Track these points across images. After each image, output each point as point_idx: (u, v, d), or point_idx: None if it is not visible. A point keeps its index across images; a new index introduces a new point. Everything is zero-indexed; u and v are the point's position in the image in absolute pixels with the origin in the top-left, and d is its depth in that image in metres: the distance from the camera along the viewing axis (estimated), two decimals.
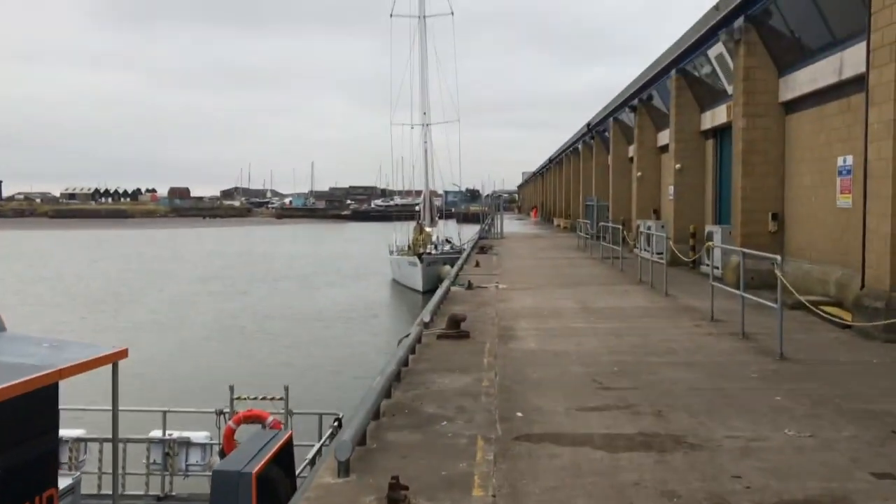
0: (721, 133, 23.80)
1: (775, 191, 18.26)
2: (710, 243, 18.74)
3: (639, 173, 31.54)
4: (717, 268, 19.99)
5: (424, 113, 50.05)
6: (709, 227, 21.62)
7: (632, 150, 35.28)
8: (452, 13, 51.76)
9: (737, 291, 12.09)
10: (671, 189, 25.42)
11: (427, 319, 12.23)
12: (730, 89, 21.47)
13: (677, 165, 24.83)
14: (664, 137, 29.56)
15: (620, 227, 26.63)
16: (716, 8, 19.16)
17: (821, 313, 12.38)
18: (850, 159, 14.54)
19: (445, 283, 17.53)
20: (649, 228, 26.91)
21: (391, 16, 51.04)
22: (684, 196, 24.89)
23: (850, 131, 14.47)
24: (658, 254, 25.35)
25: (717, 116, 23.05)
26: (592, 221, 36.33)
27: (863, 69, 12.44)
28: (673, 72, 24.96)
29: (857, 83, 13.56)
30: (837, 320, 12.51)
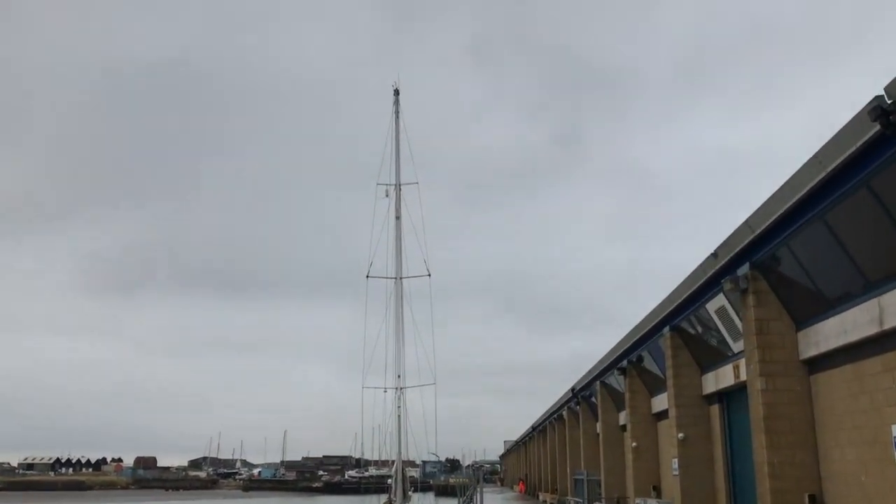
0: (728, 397, 21.01)
1: (810, 467, 15.05)
2: None
3: (634, 443, 28.18)
4: None
5: (399, 375, 47.27)
6: None
7: (623, 417, 32.16)
8: (429, 274, 50.94)
9: None
10: (675, 463, 22.04)
11: None
12: (735, 347, 19.02)
13: (680, 435, 21.70)
14: (660, 403, 26.66)
15: None
16: (713, 256, 17.23)
17: None
18: None
19: None
20: None
21: (367, 277, 50.07)
22: (690, 471, 21.49)
23: None
24: None
25: (721, 378, 20.39)
26: (584, 499, 32.24)
27: None
28: (666, 329, 22.70)
29: None
30: None
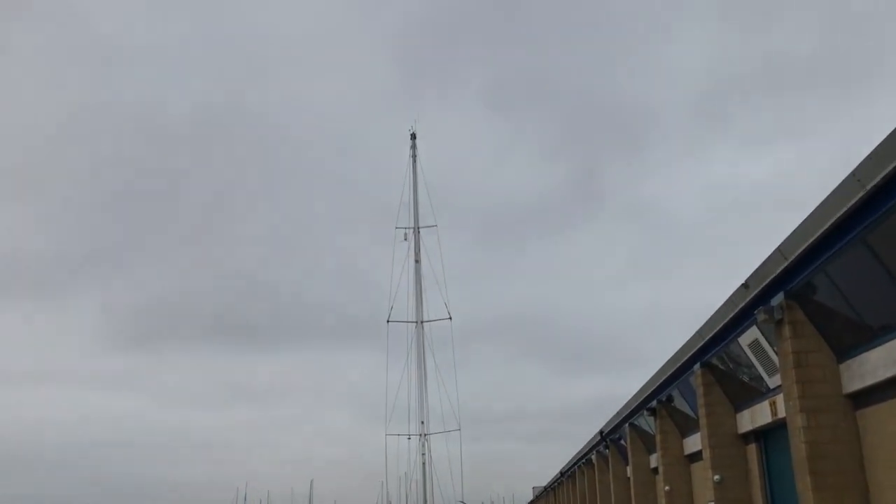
0: (765, 435, 19.91)
1: None
2: None
3: (666, 487, 26.93)
4: None
5: (422, 422, 46.30)
6: None
7: (654, 460, 30.90)
8: (451, 318, 50.18)
9: None
10: None
11: None
12: (771, 382, 18.04)
13: (716, 477, 20.57)
14: (693, 443, 25.49)
15: None
16: (744, 286, 16.37)
17: None
18: None
19: None
20: None
21: (388, 321, 49.50)
22: None
23: None
24: None
25: (758, 416, 19.33)
26: None
27: None
28: (697, 366, 21.71)
29: None
30: None
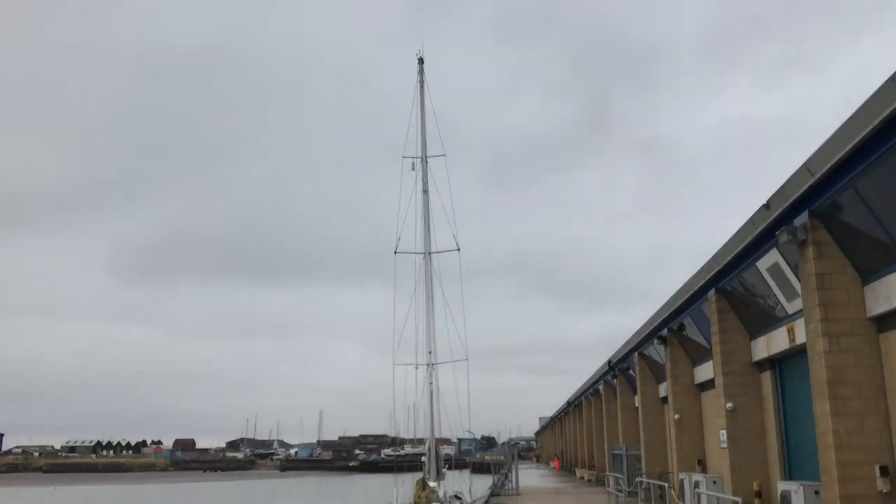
0: (780, 363, 19.45)
1: (880, 435, 13.54)
2: None
3: (676, 416, 26.69)
4: None
5: (430, 352, 46.09)
6: (783, 485, 16.49)
7: (664, 389, 30.67)
8: (459, 249, 49.47)
9: None
10: (722, 434, 20.56)
11: None
12: (789, 308, 17.45)
13: (728, 405, 20.19)
14: (704, 372, 25.13)
15: (667, 484, 21.36)
16: (766, 207, 15.63)
17: None
18: None
19: None
20: (697, 485, 21.71)
21: (395, 252, 48.89)
22: (741, 443, 19.99)
23: None
24: None
25: (774, 342, 18.82)
26: (623, 474, 30.89)
27: None
28: (711, 292, 21.13)
29: None
30: None
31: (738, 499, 13.94)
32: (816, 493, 15.04)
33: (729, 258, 18.58)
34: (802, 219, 14.48)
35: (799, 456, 18.51)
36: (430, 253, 50.13)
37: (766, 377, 19.87)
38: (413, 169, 52.95)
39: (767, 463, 19.65)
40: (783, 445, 19.17)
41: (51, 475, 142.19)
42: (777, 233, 14.83)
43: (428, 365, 46.70)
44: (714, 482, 21.25)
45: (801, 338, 16.67)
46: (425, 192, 52.94)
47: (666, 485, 20.66)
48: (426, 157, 52.54)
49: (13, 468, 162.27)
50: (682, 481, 24.08)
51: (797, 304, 16.67)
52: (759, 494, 18.35)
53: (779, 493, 16.41)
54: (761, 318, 19.40)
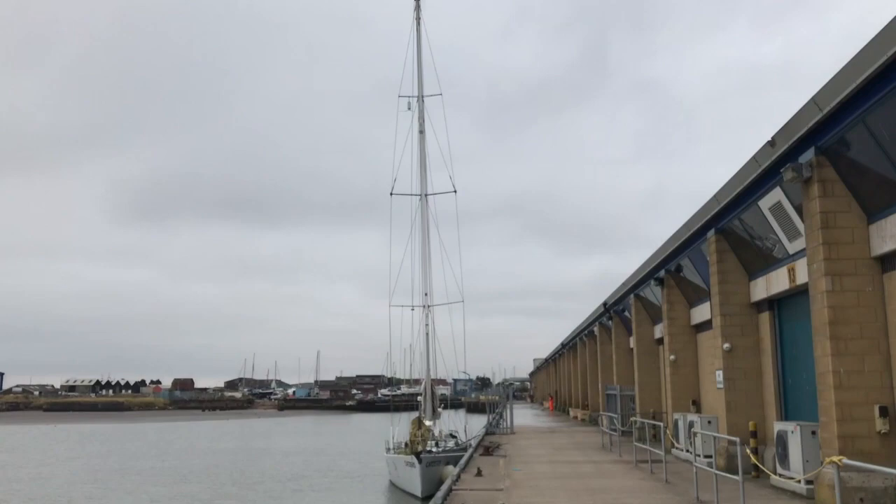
0: (780, 304, 19.24)
1: (880, 375, 13.37)
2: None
3: (671, 356, 26.67)
4: (801, 480, 14.78)
5: (426, 294, 45.94)
6: (779, 425, 16.42)
7: (659, 331, 30.63)
8: (455, 191, 48.91)
9: None
10: (719, 375, 20.48)
11: None
12: (791, 248, 17.15)
13: (725, 345, 20.05)
14: (701, 313, 25.00)
15: (662, 424, 21.36)
16: (770, 144, 15.18)
17: None
18: None
19: None
20: (692, 425, 21.75)
21: (391, 194, 48.30)
22: (737, 384, 19.92)
23: None
24: (706, 457, 20.06)
25: (773, 283, 18.58)
26: (617, 413, 31.02)
27: None
28: (711, 232, 20.81)
29: None
30: None
31: (735, 438, 13.79)
32: (813, 433, 14.97)
33: (730, 197, 18.20)
34: (808, 156, 14.06)
35: (796, 397, 18.45)
36: (426, 195, 49.61)
37: (765, 318, 19.70)
38: (409, 108, 51.90)
39: (764, 403, 19.61)
40: (780, 386, 19.10)
41: (51, 414, 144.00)
42: (781, 170, 14.42)
43: (424, 307, 46.68)
44: (709, 422, 21.28)
45: (801, 278, 16.43)
46: (421, 132, 52.05)
47: (661, 424, 20.61)
48: (423, 97, 51.47)
49: (14, 406, 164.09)
50: (676, 421, 24.16)
51: (799, 244, 16.38)
52: (754, 434, 18.32)
53: (775, 433, 16.37)
54: (761, 258, 19.13)
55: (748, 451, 15.04)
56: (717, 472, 13.21)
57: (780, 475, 15.85)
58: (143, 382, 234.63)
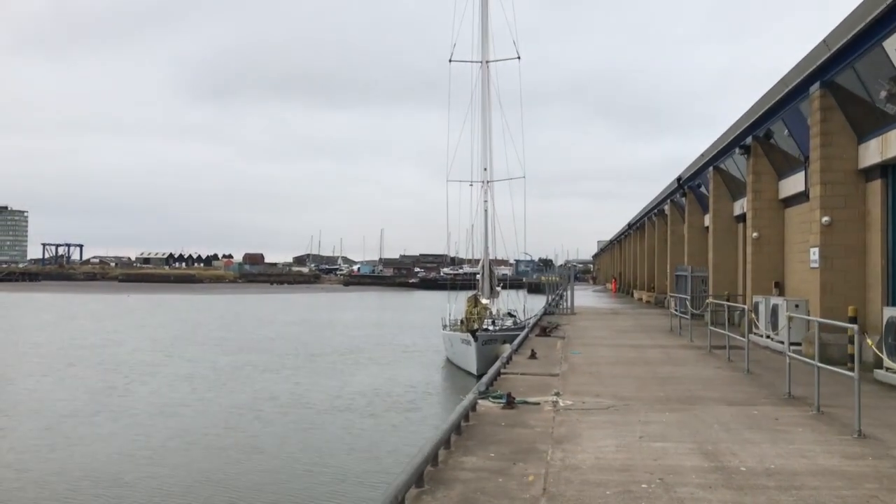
0: (895, 170, 16.28)
1: None
2: None
3: (755, 234, 23.93)
4: None
5: (485, 168, 43.36)
6: (889, 311, 13.88)
7: (740, 206, 27.76)
8: (519, 57, 45.25)
9: None
10: (814, 252, 17.81)
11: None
12: None
13: (824, 219, 17.27)
14: (792, 185, 22.06)
15: (746, 306, 18.98)
16: None
17: None
18: None
19: (466, 400, 10.47)
20: (776, 309, 19.35)
21: (450, 61, 45.03)
22: (836, 263, 17.25)
23: None
24: (794, 344, 17.66)
25: (889, 146, 15.57)
26: (688, 295, 28.71)
27: None
28: (815, 86, 17.65)
29: None
30: None
31: (854, 326, 11.39)
32: None
33: (846, 39, 15.01)
34: None
35: None
36: (487, 61, 46.14)
37: (875, 187, 16.76)
38: None
39: (866, 285, 16.98)
40: (888, 266, 16.39)
41: (126, 284, 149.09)
42: None
43: (483, 182, 44.22)
44: (796, 306, 18.82)
45: None
46: None
47: (745, 307, 18.22)
48: None
49: (91, 276, 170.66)
50: (756, 304, 21.74)
51: None
52: (853, 321, 15.82)
53: (884, 320, 13.85)
54: (876, 116, 16.03)
55: (868, 340, 12.62)
56: (818, 363, 10.90)
57: (888, 369, 13.48)
58: (215, 256, 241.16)
